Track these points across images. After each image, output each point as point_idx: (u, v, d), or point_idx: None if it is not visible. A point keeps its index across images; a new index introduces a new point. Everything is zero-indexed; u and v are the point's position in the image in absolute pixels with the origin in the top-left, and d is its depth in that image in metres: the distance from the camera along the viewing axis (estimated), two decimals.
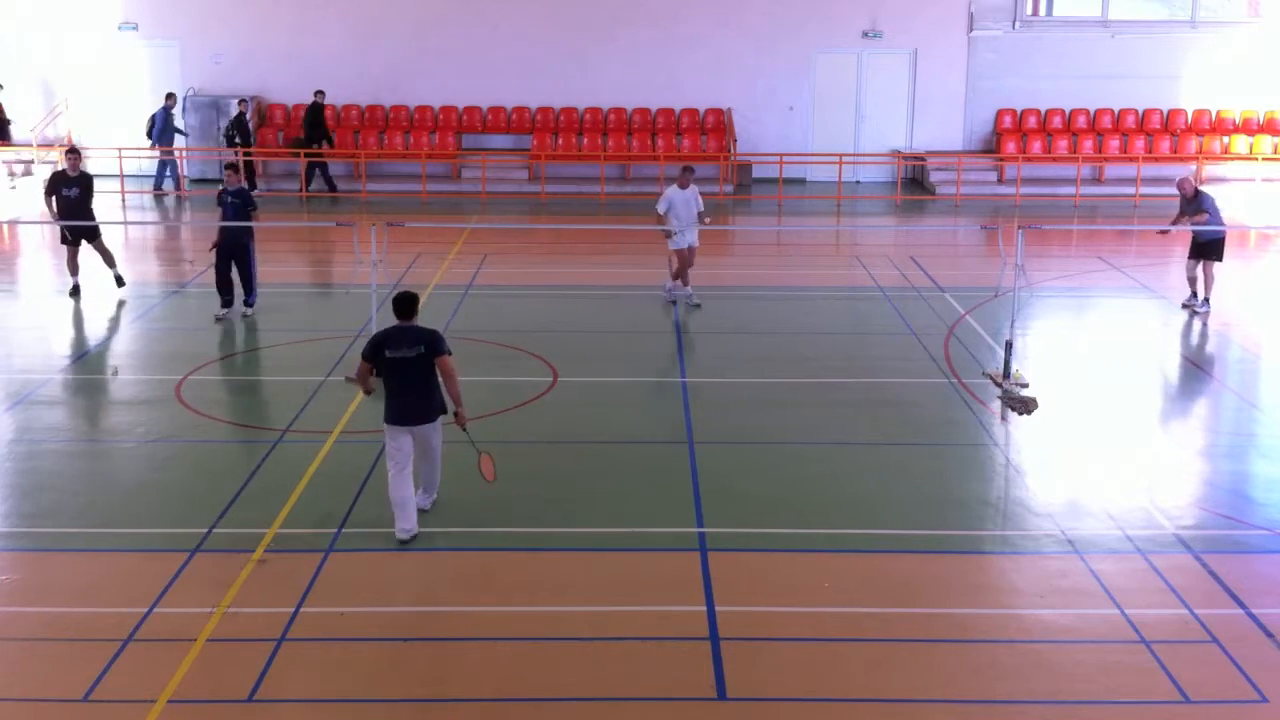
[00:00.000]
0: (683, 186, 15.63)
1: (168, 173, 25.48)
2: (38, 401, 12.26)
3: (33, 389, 12.58)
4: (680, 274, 15.90)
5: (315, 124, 25.30)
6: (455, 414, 9.10)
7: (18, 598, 8.32)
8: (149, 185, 25.46)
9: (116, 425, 11.98)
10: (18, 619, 8.03)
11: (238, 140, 25.15)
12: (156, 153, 25.21)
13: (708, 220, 15.96)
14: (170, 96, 25.32)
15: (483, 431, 11.36)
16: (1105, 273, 18.50)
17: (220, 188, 15.45)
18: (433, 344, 8.91)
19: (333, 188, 25.44)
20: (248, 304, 15.29)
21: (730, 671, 7.38)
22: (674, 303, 15.86)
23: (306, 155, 25.10)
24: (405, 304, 9.06)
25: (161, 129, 25.15)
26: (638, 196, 24.97)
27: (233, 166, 15.90)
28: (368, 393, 9.41)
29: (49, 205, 16.30)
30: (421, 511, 9.26)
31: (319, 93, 25.28)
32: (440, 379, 9.02)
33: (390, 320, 9.15)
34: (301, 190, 25.15)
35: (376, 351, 8.95)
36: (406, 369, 8.86)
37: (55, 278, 17.85)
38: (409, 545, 8.97)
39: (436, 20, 26.27)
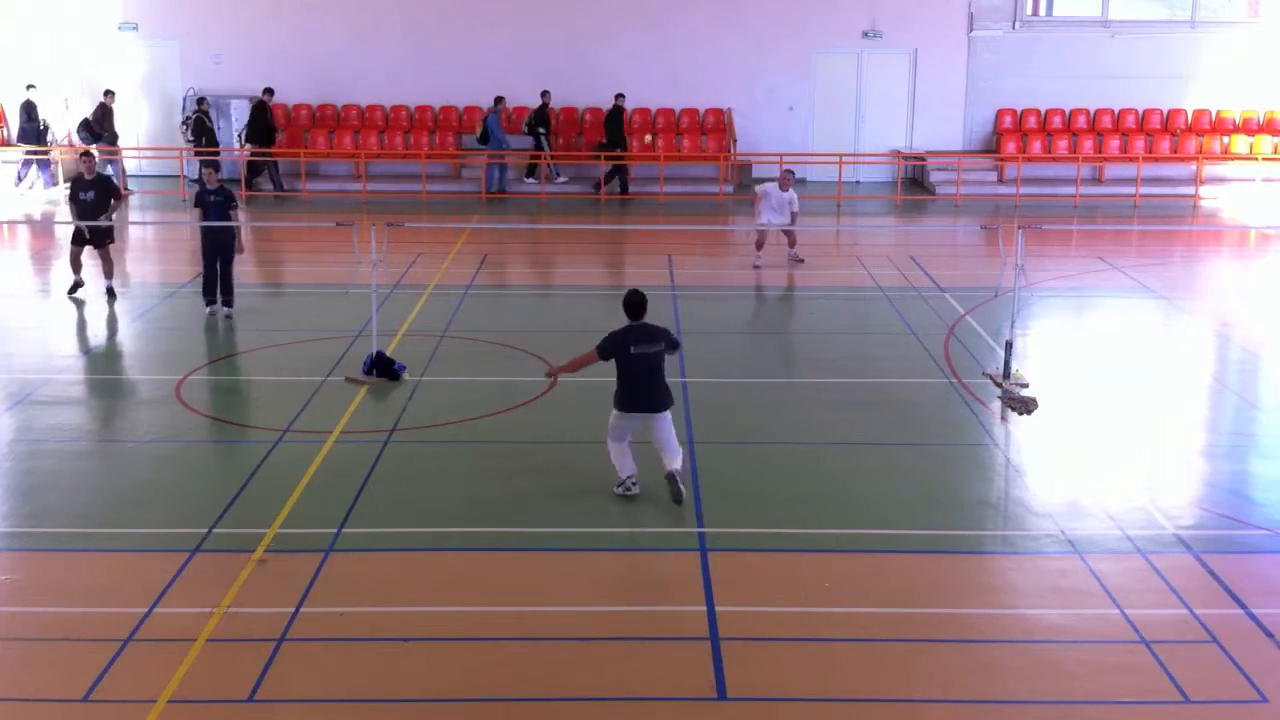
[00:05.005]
0: (782, 188, 18.02)
1: (517, 175, 25.26)
2: (38, 401, 12.25)
3: (33, 389, 12.58)
4: (759, 244, 18.42)
5: (617, 126, 24.96)
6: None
7: (18, 598, 8.32)
8: (149, 185, 25.42)
9: (116, 425, 11.98)
10: (18, 619, 8.02)
11: (541, 130, 24.89)
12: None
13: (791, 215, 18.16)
14: (499, 100, 25.05)
15: (484, 431, 11.42)
16: (1105, 273, 18.50)
17: (198, 187, 15.31)
18: (670, 340, 9.98)
19: (624, 188, 25.21)
20: (228, 304, 15.33)
21: (730, 671, 7.38)
22: (758, 266, 18.07)
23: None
24: (640, 304, 9.89)
25: (494, 132, 24.93)
26: (638, 196, 25.02)
27: (212, 165, 15.60)
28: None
29: (71, 209, 16.38)
30: (671, 477, 9.69)
31: (619, 96, 24.98)
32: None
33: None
34: (599, 191, 25.09)
35: (618, 348, 9.74)
36: (651, 361, 9.80)
37: (57, 278, 17.86)
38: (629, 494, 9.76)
39: (436, 20, 26.26)
